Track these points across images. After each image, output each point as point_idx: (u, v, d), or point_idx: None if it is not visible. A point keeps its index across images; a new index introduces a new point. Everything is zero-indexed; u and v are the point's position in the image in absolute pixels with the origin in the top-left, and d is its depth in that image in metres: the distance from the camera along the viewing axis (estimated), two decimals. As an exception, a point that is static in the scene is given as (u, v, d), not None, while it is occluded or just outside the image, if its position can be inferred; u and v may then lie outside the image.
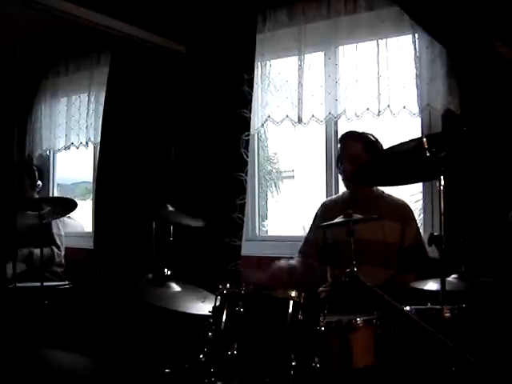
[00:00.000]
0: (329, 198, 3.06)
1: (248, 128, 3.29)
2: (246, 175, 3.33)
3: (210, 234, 3.31)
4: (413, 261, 2.57)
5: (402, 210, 2.70)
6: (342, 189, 3.04)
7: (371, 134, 2.79)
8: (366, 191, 2.74)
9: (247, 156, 3.32)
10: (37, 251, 3.48)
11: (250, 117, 3.27)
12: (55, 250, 3.74)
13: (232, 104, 3.31)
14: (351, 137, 2.78)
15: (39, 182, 4.01)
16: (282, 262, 2.61)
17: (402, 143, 1.95)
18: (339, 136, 2.89)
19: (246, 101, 3.27)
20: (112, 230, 3.73)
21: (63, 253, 3.82)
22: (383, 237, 2.58)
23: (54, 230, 3.78)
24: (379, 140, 2.77)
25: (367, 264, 2.35)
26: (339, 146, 2.82)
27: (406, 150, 1.96)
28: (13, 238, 3.26)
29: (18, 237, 3.23)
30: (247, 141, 3.30)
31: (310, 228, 2.92)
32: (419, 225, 2.81)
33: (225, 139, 3.36)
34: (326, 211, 2.83)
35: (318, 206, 2.94)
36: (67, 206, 3.28)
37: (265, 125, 3.28)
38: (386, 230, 2.58)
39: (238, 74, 3.29)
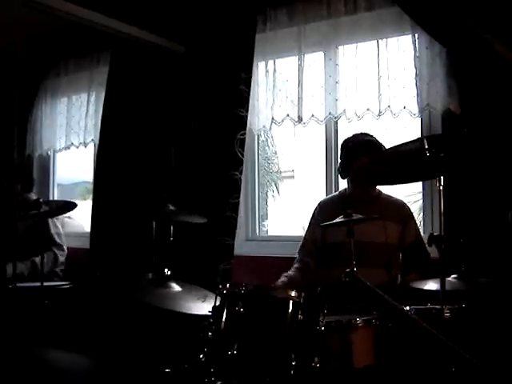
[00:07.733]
0: (325, 198, 3.05)
1: (244, 127, 3.28)
2: (241, 174, 3.31)
3: (203, 233, 3.30)
4: (414, 259, 2.59)
5: (401, 209, 2.71)
6: (341, 188, 3.03)
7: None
8: (365, 191, 2.74)
9: (242, 155, 3.30)
10: (38, 259, 3.36)
11: (246, 116, 3.26)
12: (57, 251, 3.69)
13: (229, 103, 3.30)
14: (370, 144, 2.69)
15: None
16: (282, 280, 2.64)
17: (402, 143, 1.95)
18: (348, 136, 2.81)
19: (243, 100, 3.26)
20: (112, 229, 3.72)
21: (66, 251, 3.78)
22: (383, 238, 2.57)
23: (53, 230, 3.73)
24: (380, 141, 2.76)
25: (368, 266, 2.33)
26: (352, 145, 2.74)
27: (406, 151, 1.97)
28: (13, 238, 3.26)
29: (18, 244, 3.23)
30: (243, 140, 3.29)
31: (308, 227, 2.91)
32: (419, 225, 2.81)
33: (220, 138, 3.34)
34: (323, 210, 2.83)
35: (315, 205, 2.93)
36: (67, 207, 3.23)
37: (267, 125, 3.27)
38: (386, 230, 2.57)
39: (236, 73, 3.28)
